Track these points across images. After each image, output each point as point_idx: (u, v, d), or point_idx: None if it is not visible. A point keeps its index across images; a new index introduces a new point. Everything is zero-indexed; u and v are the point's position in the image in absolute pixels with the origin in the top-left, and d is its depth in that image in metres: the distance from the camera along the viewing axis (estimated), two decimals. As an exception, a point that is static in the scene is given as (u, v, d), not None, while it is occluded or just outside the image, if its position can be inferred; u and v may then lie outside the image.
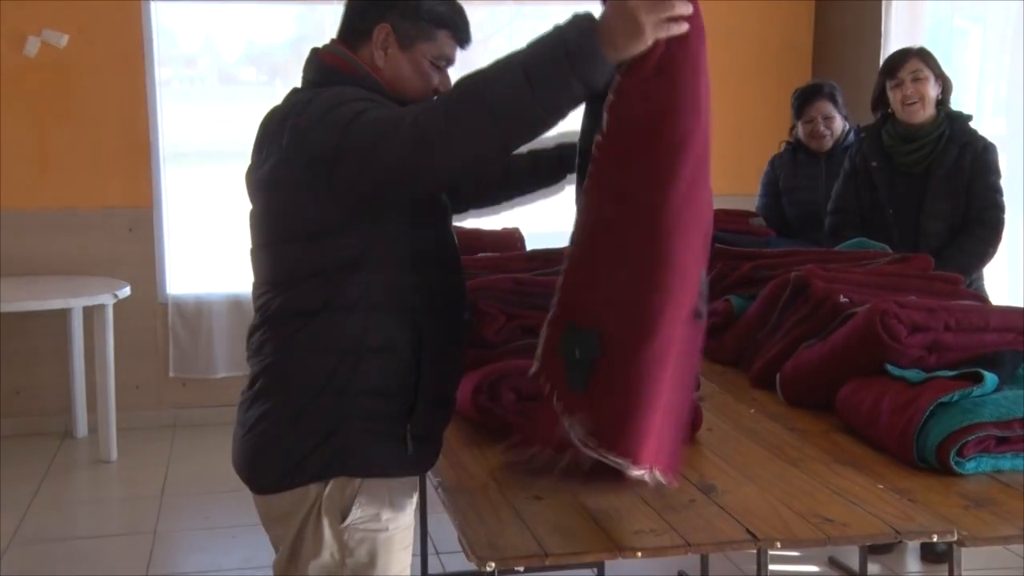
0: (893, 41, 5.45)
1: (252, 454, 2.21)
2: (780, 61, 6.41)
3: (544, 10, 6.13)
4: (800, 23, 6.43)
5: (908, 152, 4.15)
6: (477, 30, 2.28)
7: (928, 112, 4.10)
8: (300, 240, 2.11)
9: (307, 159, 2.03)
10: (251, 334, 2.25)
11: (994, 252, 4.14)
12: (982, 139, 4.14)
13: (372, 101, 2.05)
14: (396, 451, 2.16)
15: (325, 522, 2.16)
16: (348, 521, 2.16)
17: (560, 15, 1.88)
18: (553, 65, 1.81)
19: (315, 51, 2.24)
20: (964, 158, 4.07)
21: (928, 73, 4.09)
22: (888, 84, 4.16)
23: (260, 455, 2.19)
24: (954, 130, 4.10)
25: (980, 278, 4.18)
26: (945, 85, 4.15)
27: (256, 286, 2.25)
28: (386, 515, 2.19)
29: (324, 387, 2.11)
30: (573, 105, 1.87)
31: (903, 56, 4.17)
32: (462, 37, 2.21)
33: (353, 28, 2.19)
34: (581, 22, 1.82)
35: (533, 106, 1.83)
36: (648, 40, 1.78)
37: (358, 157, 1.97)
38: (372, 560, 2.19)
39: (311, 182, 2.03)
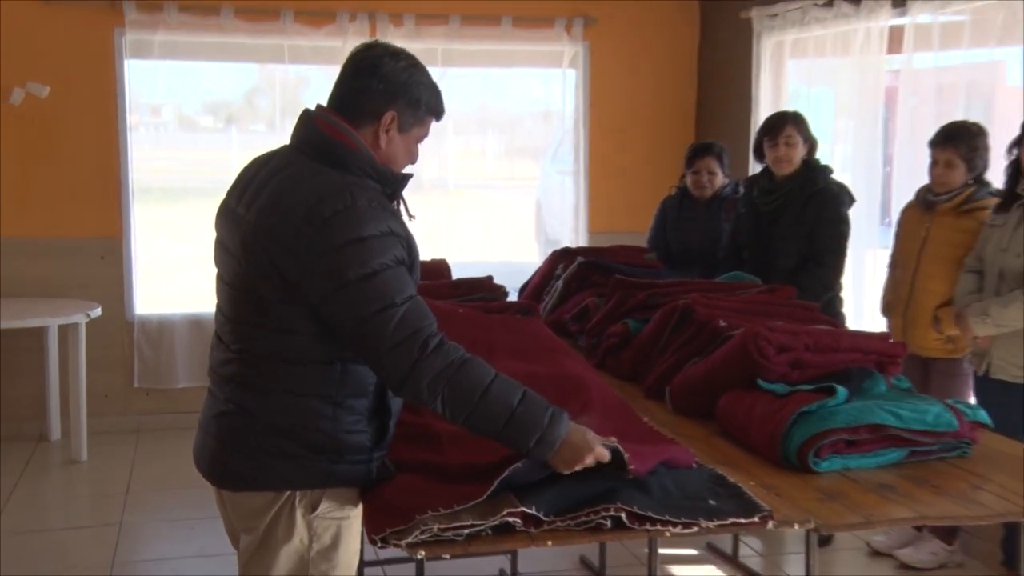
0: (763, 107, 5.58)
1: (233, 463, 2.17)
2: (671, 122, 6.49)
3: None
4: (687, 92, 6.52)
5: (768, 201, 4.24)
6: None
7: (794, 168, 4.18)
8: (279, 298, 2.07)
9: (311, 291, 2.03)
10: (224, 363, 2.19)
11: (828, 288, 4.11)
12: (832, 189, 4.16)
13: (392, 264, 2.03)
14: (363, 472, 2.19)
15: (298, 513, 2.17)
16: (318, 511, 2.18)
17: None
18: (527, 429, 2.02)
19: (311, 117, 2.17)
20: (809, 206, 4.12)
21: (798, 139, 4.17)
22: (766, 142, 4.23)
23: (242, 465, 2.16)
24: (806, 182, 4.16)
25: (837, 300, 4.21)
26: (812, 145, 4.22)
27: (230, 320, 2.17)
28: (348, 505, 2.22)
29: (306, 423, 2.12)
30: (511, 449, 2.07)
31: (780, 122, 4.22)
32: (441, 117, 2.26)
33: (360, 107, 2.14)
34: (560, 430, 2.03)
35: (493, 431, 2.04)
36: (571, 469, 2.03)
37: (372, 339, 2.01)
38: (335, 543, 2.21)
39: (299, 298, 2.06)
